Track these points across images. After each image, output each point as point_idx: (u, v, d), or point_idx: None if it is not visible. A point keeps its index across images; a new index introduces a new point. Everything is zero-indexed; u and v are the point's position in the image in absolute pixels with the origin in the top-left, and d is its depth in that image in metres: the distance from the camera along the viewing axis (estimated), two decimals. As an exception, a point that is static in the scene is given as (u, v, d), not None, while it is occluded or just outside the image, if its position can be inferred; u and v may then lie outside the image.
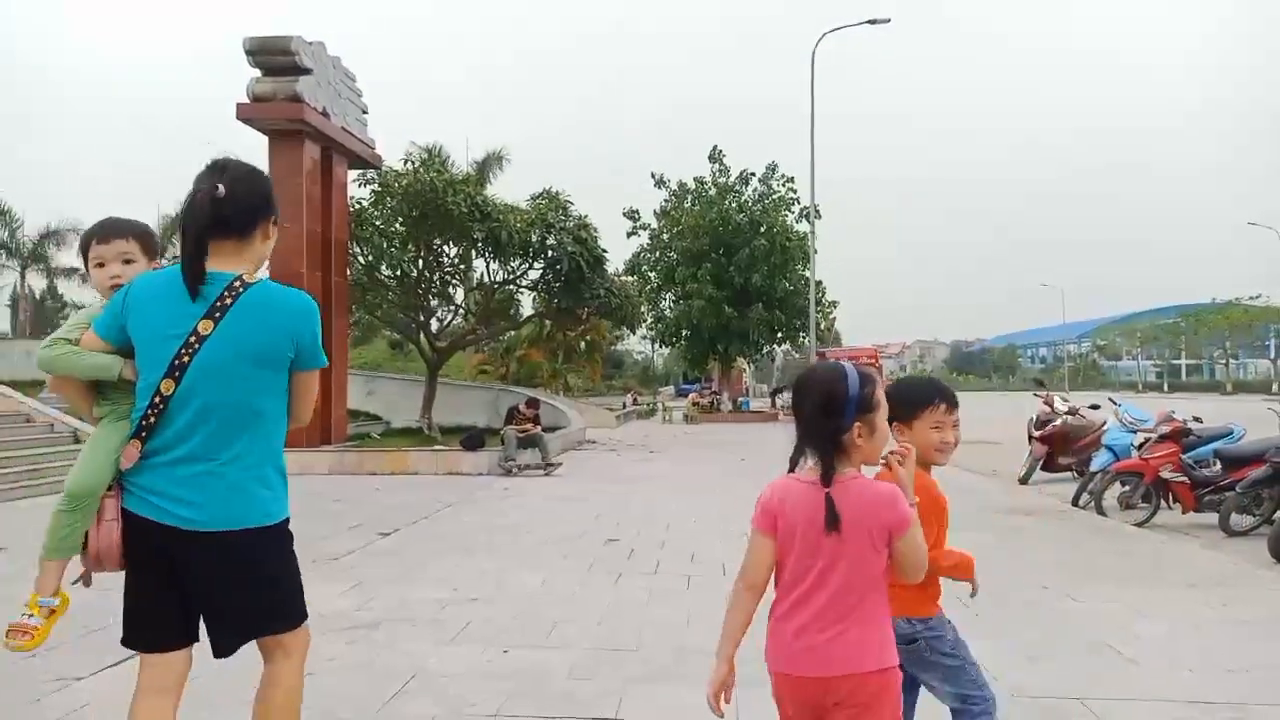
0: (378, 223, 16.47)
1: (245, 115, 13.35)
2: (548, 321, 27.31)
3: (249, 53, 13.44)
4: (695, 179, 32.24)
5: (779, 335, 31.96)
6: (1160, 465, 8.73)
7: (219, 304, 2.17)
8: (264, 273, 2.37)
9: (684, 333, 31.73)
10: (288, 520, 2.35)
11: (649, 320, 32.60)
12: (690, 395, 42.14)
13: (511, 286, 19.93)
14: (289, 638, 2.36)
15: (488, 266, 18.42)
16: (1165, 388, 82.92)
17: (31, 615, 2.27)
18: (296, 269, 13.42)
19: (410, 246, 16.75)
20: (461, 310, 19.47)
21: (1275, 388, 65.06)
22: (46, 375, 2.31)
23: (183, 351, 2.14)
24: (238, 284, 2.20)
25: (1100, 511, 9.07)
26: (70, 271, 45.12)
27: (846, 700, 1.92)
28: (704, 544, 7.11)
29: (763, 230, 29.69)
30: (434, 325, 19.52)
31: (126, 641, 2.30)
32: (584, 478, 11.84)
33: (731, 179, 31.74)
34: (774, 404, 36.92)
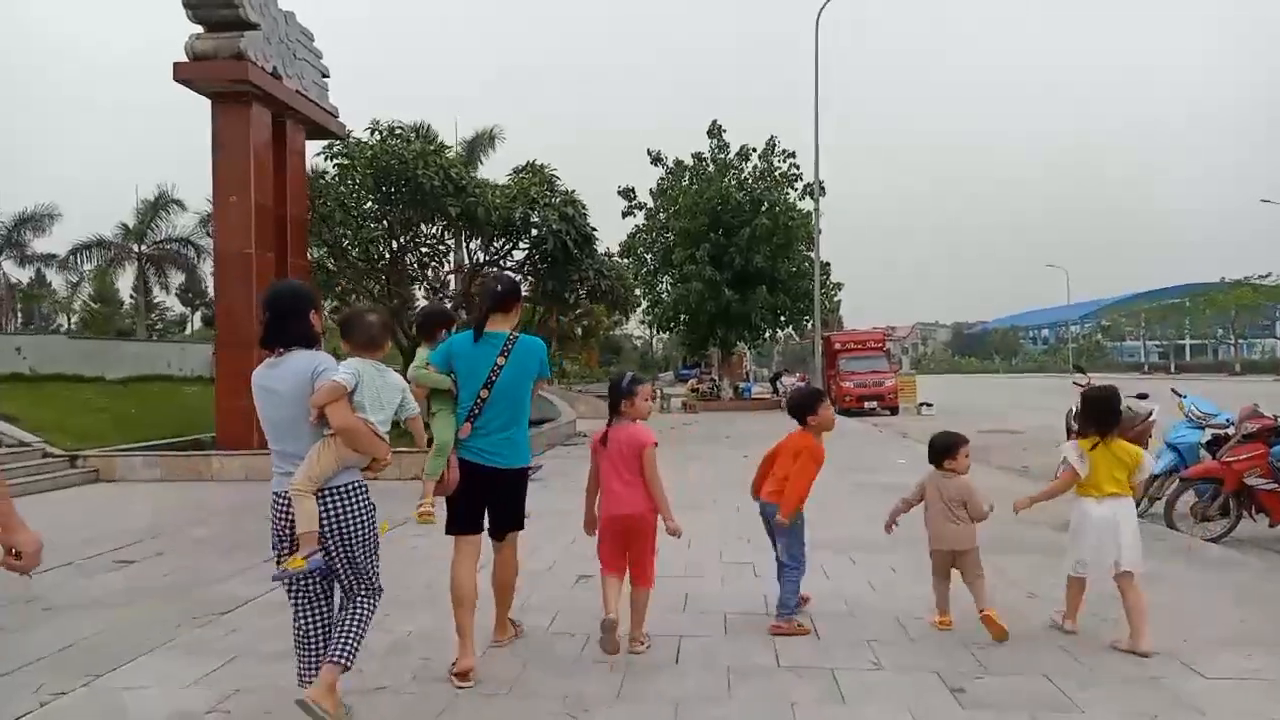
0: (347, 201, 14.94)
1: (183, 76, 11.85)
2: (539, 307, 25.86)
3: (187, 6, 11.92)
4: (694, 155, 30.66)
5: (782, 319, 30.44)
6: (1245, 470, 7.33)
7: (506, 348, 4.11)
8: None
9: (682, 317, 30.21)
10: (529, 466, 4.33)
11: (645, 304, 31.11)
12: (689, 382, 40.72)
13: (494, 268, 18.42)
14: (516, 534, 4.35)
15: (467, 247, 16.92)
16: (1171, 368, 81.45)
17: (427, 508, 4.26)
18: (242, 248, 11.98)
19: (380, 224, 15.22)
20: (440, 295, 17.96)
21: (1286, 369, 63.65)
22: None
23: (491, 375, 4.08)
24: (513, 336, 4.17)
25: (1172, 524, 7.67)
26: (49, 258, 43.16)
27: (636, 527, 4.24)
28: (700, 584, 5.72)
29: (764, 209, 28.15)
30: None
31: (450, 530, 4.16)
32: (566, 483, 10.37)
33: (731, 155, 30.16)
34: (775, 390, 35.46)
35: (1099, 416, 4.57)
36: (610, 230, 30.97)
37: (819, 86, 25.47)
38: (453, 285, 18.17)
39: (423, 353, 4.33)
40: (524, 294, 19.57)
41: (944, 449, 4.83)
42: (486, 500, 4.13)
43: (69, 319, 49.19)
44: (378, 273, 16.42)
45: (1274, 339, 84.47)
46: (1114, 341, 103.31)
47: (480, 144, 34.08)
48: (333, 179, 14.92)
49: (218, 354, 12.18)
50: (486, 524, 4.20)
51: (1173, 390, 9.67)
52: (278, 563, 3.38)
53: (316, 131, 14.08)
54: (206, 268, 40.06)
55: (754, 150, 29.87)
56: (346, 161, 14.63)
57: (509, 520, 4.25)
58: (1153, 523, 7.90)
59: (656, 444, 4.26)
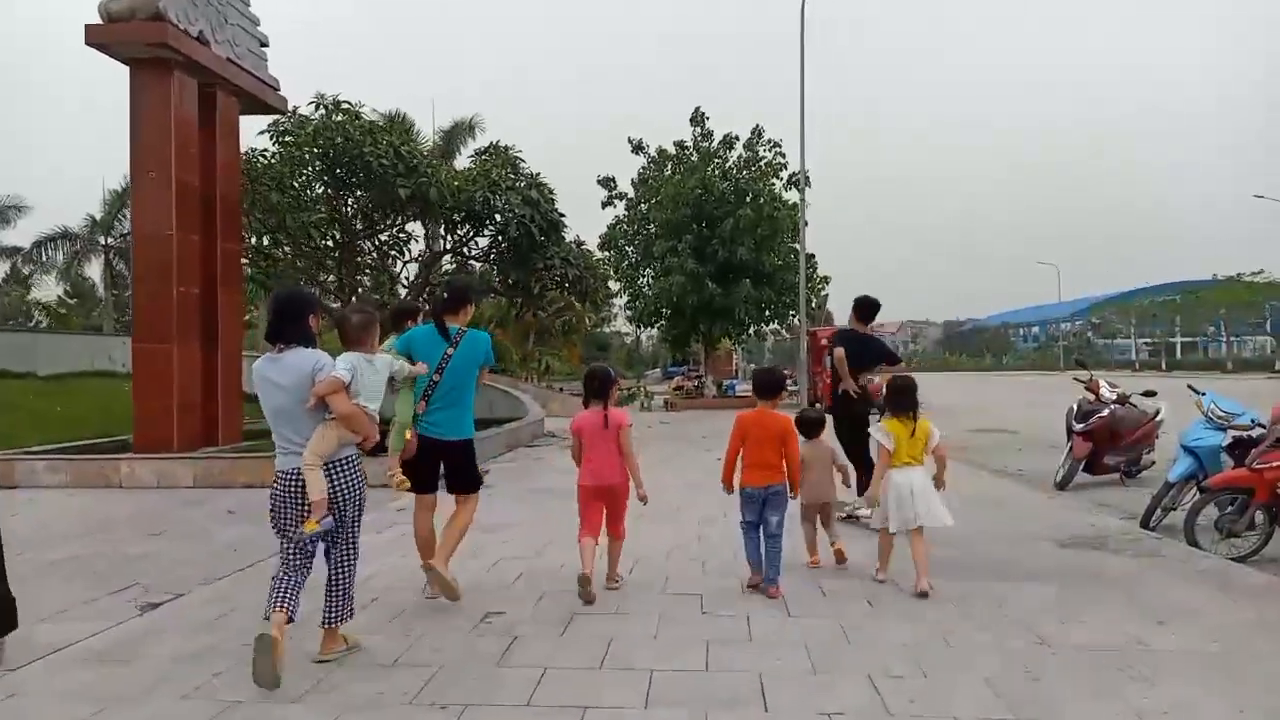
0: (286, 181, 13.75)
1: (96, 39, 10.70)
2: (515, 301, 24.81)
3: (100, -40, 10.78)
4: (675, 143, 29.55)
5: (767, 314, 29.34)
6: (1279, 479, 6.34)
7: (455, 340, 4.95)
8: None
9: (664, 311, 29.08)
10: (472, 438, 5.15)
11: (625, 298, 30.04)
12: (675, 379, 39.59)
13: (460, 257, 17.32)
14: (472, 497, 5.18)
15: (427, 234, 15.81)
16: (1163, 366, 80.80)
17: (400, 475, 5.08)
18: (162, 229, 10.85)
19: (326, 207, 14.07)
20: (400, 287, 16.81)
21: (1279, 365, 62.93)
22: None
23: (442, 361, 4.89)
24: (461, 331, 5.02)
25: (1194, 541, 6.65)
26: (13, 251, 41.61)
27: (614, 494, 5.11)
28: (632, 628, 4.60)
29: (748, 199, 27.06)
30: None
31: (414, 489, 5.08)
32: (513, 492, 9.32)
33: (715, 144, 29.04)
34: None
35: (902, 402, 5.36)
36: (592, 224, 29.88)
37: (804, 71, 24.48)
38: (412, 274, 16.99)
39: (390, 340, 5.18)
40: (493, 284, 18.35)
41: (819, 424, 5.96)
42: (439, 466, 5.05)
43: (26, 313, 47.48)
44: (327, 261, 15.24)
45: (1267, 336, 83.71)
46: (1105, 339, 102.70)
47: (459, 134, 32.88)
48: (273, 157, 13.74)
49: (134, 347, 11.05)
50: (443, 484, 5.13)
51: (1189, 387, 8.66)
52: (277, 531, 3.98)
53: (255, 106, 12.96)
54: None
55: (737, 138, 28.79)
56: (290, 139, 13.46)
57: (461, 483, 5.12)
58: (1172, 537, 6.91)
59: (631, 424, 5.25)
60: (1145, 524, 7.54)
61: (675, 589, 5.29)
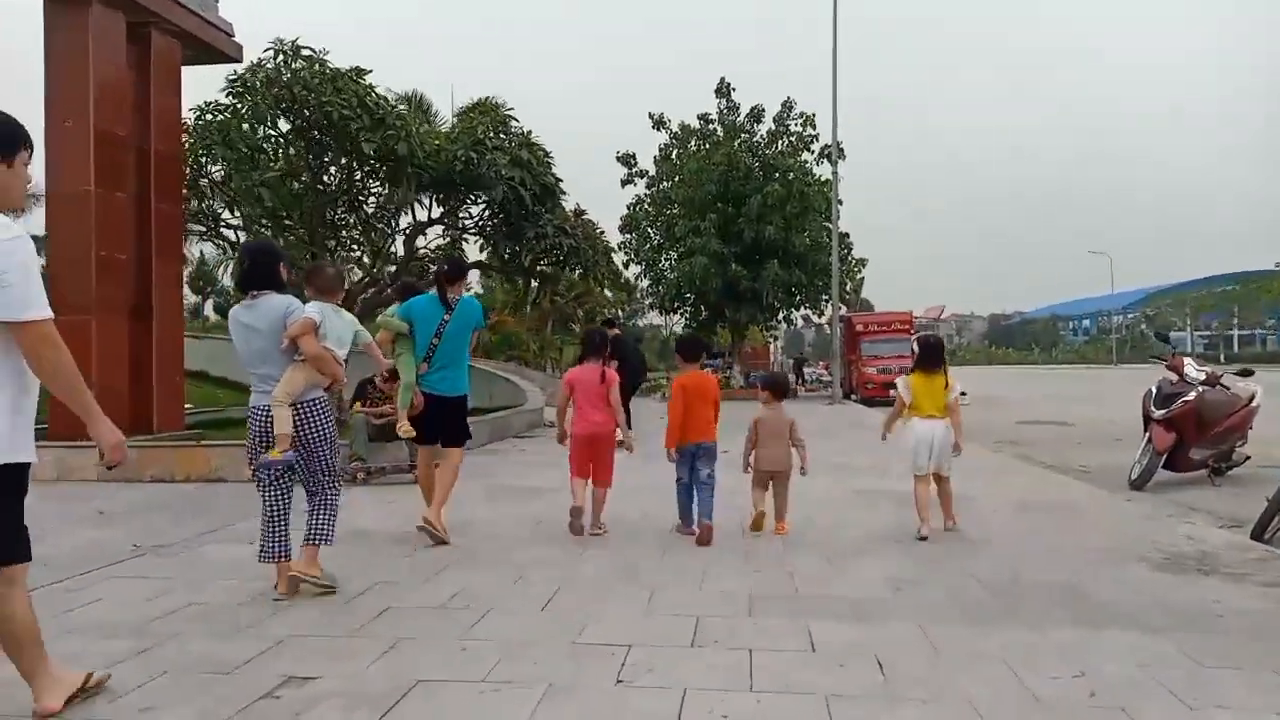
0: (233, 135, 12.19)
1: (1, -35, 9.34)
2: (527, 283, 23.32)
3: (9, -123, 9.40)
4: (699, 116, 27.73)
5: (797, 298, 27.45)
6: None
7: (451, 306, 5.55)
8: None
9: (687, 296, 27.37)
10: (467, 394, 5.80)
11: (647, 282, 28.41)
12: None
13: (451, 228, 15.81)
14: (458, 450, 5.67)
15: (398, 196, 14.28)
16: (1221, 359, 77.04)
17: (408, 427, 5.53)
18: (80, 185, 9.44)
19: (282, 166, 12.61)
20: (373, 263, 15.30)
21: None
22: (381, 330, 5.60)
23: (440, 326, 5.48)
24: (454, 299, 5.60)
25: (1340, 565, 4.84)
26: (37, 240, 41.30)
27: (602, 441, 5.64)
28: (504, 700, 2.95)
29: (777, 175, 25.20)
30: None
31: (418, 440, 5.72)
32: (465, 490, 7.70)
33: (741, 117, 27.20)
34: (799, 378, 32.41)
35: (929, 357, 5.82)
36: (613, 210, 28.06)
37: (836, 31, 22.58)
38: (398, 248, 15.48)
39: (393, 307, 5.99)
40: (489, 259, 16.80)
41: (788, 388, 6.52)
42: (435, 419, 5.58)
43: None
44: (298, 230, 13.78)
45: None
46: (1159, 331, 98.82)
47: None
48: (226, 110, 12.29)
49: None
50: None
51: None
52: (250, 462, 4.34)
53: (204, 53, 11.49)
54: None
55: (764, 110, 26.88)
56: (242, 89, 11.99)
57: (452, 436, 5.69)
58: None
59: (619, 379, 5.91)
60: (1258, 536, 5.75)
61: (591, 638, 3.60)
